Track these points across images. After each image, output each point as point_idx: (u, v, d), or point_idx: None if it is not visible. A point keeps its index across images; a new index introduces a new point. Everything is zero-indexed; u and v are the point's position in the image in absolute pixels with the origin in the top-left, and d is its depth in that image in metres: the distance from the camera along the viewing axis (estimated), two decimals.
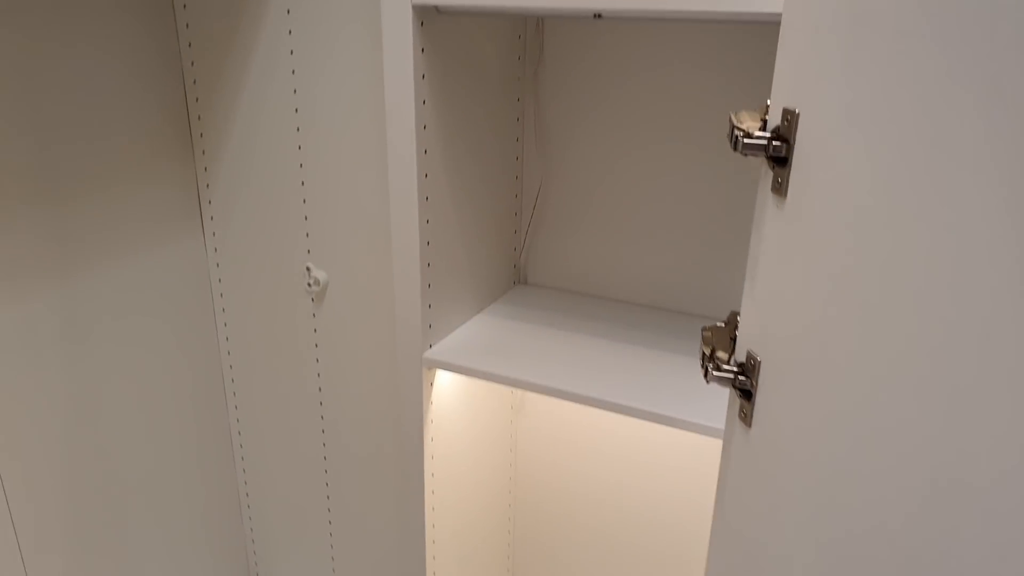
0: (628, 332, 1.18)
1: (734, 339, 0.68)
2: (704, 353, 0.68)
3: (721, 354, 0.67)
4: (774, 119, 0.56)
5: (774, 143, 0.56)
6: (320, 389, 1.52)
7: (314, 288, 1.42)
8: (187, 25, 1.36)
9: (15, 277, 1.21)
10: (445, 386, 1.19)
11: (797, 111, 0.54)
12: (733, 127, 0.58)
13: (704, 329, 0.70)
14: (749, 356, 0.64)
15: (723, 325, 0.71)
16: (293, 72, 1.30)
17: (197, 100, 1.41)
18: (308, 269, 1.42)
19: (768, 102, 0.59)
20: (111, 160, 1.31)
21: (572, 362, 1.09)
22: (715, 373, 0.66)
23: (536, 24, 1.20)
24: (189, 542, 1.62)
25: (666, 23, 1.12)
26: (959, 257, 0.46)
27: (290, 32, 1.28)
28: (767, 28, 1.07)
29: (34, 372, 1.27)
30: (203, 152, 1.44)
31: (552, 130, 1.24)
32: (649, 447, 1.34)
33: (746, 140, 0.56)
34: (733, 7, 0.74)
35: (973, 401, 0.48)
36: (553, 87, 1.22)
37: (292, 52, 1.29)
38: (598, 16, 0.85)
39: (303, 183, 1.37)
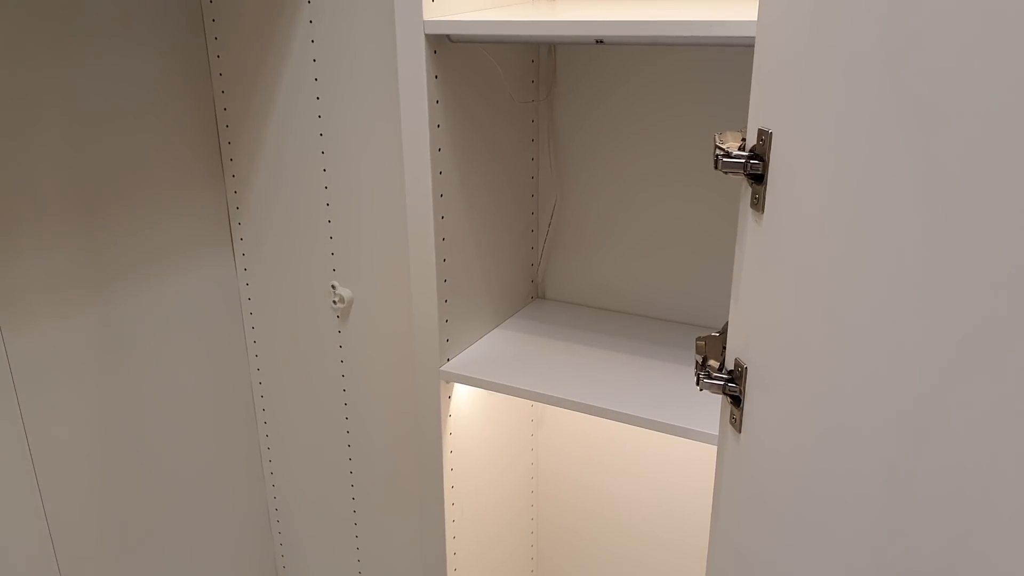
0: (644, 345, 1.21)
1: (725, 347, 0.71)
2: (697, 361, 0.71)
3: (712, 362, 0.70)
4: (751, 139, 0.60)
5: (751, 162, 0.59)
6: (346, 404, 1.57)
7: (339, 305, 1.48)
8: (218, 56, 1.43)
9: (56, 295, 1.28)
10: (464, 400, 1.23)
11: (770, 131, 0.57)
12: (715, 146, 0.62)
13: (698, 339, 0.73)
14: (737, 363, 0.67)
15: (717, 334, 0.74)
16: (317, 98, 1.36)
17: (227, 127, 1.48)
18: (334, 287, 1.48)
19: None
20: (147, 187, 1.38)
21: (586, 374, 1.12)
22: (706, 380, 0.69)
23: (548, 49, 1.24)
24: (219, 553, 1.68)
25: (672, 46, 1.16)
26: (914, 264, 0.49)
27: (314, 60, 1.34)
28: None
29: (72, 386, 1.33)
30: (233, 176, 1.51)
31: (567, 149, 1.28)
32: (674, 460, 1.35)
33: (725, 159, 0.60)
34: (710, 32, 0.78)
35: (944, 402, 0.51)
36: (567, 108, 1.26)
37: (316, 79, 1.35)
38: (600, 42, 0.90)
39: (328, 204, 1.43)
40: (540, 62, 1.25)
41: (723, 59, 1.13)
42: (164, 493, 1.53)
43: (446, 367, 1.15)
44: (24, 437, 1.27)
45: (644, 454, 1.37)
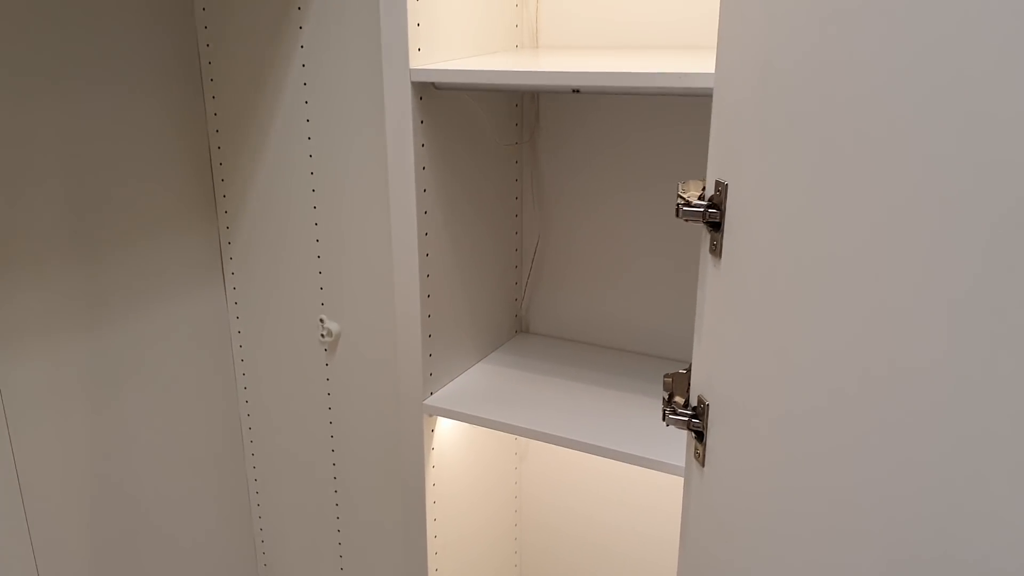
0: (622, 379, 1.24)
1: (691, 384, 0.74)
2: (664, 398, 0.75)
3: (678, 398, 0.74)
4: (710, 189, 0.64)
5: (709, 211, 0.63)
6: (332, 436, 1.59)
7: (327, 339, 1.51)
8: (213, 96, 1.48)
9: (50, 326, 1.31)
10: (447, 433, 1.25)
11: (726, 182, 0.61)
12: (678, 195, 0.66)
13: (665, 375, 0.76)
14: (700, 400, 0.70)
15: (684, 372, 0.77)
16: (309, 138, 1.41)
17: (221, 164, 1.52)
18: (322, 320, 1.51)
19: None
20: (141, 220, 1.42)
21: (566, 408, 1.15)
22: (671, 416, 0.72)
23: (531, 94, 1.29)
24: None
25: (647, 96, 1.21)
26: (858, 306, 0.52)
27: (306, 102, 1.39)
28: None
29: (63, 415, 1.35)
30: (225, 211, 1.55)
31: (549, 189, 1.33)
32: (655, 488, 1.38)
33: (685, 208, 0.63)
34: (679, 83, 0.83)
35: (892, 434, 0.54)
36: (549, 150, 1.31)
37: (308, 120, 1.40)
38: (576, 91, 0.94)
39: (318, 240, 1.47)
40: (523, 106, 1.30)
41: (698, 108, 1.18)
42: (151, 523, 1.54)
43: (429, 400, 1.18)
44: (14, 466, 1.29)
45: (626, 482, 1.40)
